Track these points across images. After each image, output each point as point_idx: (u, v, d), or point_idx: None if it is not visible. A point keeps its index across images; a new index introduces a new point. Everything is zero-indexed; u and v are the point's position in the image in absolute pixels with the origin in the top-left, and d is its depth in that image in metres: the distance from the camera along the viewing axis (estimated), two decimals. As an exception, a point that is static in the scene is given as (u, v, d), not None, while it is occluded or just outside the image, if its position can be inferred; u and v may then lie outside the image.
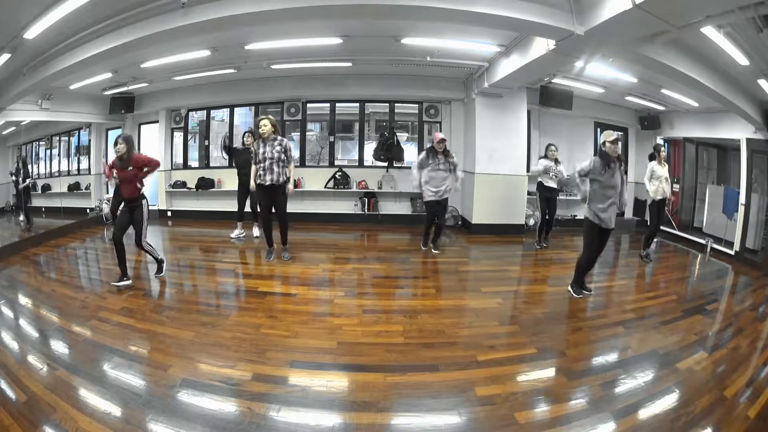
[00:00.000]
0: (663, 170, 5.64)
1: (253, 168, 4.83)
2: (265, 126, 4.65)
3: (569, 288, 4.14)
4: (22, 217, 6.91)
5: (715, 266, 5.83)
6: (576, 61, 4.91)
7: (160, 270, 4.40)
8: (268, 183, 4.69)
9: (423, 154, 5.32)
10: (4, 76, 5.30)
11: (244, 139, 6.02)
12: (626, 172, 4.02)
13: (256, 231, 6.33)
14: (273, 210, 4.93)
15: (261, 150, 4.71)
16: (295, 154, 8.21)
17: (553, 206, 6.09)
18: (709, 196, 7.22)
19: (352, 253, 5.94)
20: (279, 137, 4.73)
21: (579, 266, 4.07)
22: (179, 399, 2.33)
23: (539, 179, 6.08)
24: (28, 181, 6.99)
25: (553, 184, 5.99)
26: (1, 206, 6.91)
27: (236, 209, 6.22)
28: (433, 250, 5.47)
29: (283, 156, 4.70)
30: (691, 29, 3.55)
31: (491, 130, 6.85)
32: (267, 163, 4.66)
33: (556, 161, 6.00)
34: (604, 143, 3.84)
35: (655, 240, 5.94)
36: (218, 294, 4.22)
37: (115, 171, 4.10)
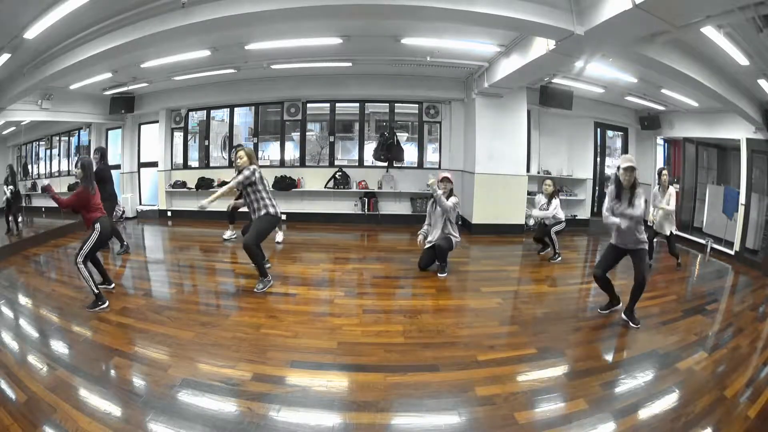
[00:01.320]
0: (662, 200, 5.08)
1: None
2: (241, 158, 4.16)
3: (623, 316, 3.57)
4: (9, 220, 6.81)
5: (715, 266, 5.83)
6: (576, 61, 4.92)
7: (93, 304, 3.53)
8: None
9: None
10: (4, 76, 5.30)
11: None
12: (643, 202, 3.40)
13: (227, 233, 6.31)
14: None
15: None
16: (295, 154, 8.25)
17: (549, 230, 5.55)
18: (709, 196, 7.22)
19: (352, 253, 5.94)
20: (248, 167, 4.07)
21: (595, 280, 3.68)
22: (179, 399, 2.32)
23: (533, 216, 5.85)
24: (8, 190, 6.84)
25: (540, 216, 5.60)
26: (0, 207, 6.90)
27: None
28: (438, 274, 4.69)
29: (247, 187, 4.09)
30: (691, 29, 3.56)
31: (491, 130, 6.86)
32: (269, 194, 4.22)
33: (551, 195, 5.51)
34: (618, 168, 3.45)
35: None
36: (218, 294, 4.22)
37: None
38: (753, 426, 2.18)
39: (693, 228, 7.43)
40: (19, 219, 6.87)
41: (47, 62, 5.00)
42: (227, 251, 5.81)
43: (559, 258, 5.50)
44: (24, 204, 7.22)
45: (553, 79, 6.57)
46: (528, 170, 7.46)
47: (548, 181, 5.63)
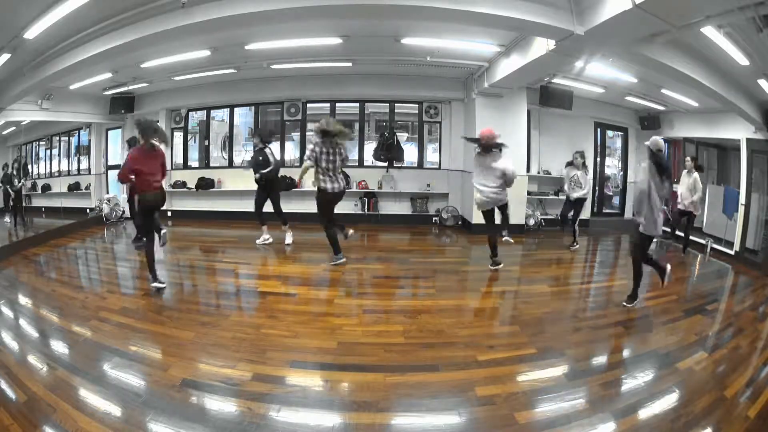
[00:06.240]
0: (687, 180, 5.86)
1: (309, 164, 4.53)
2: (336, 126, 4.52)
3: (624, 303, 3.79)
4: (8, 218, 6.81)
5: (715, 266, 5.83)
6: (576, 61, 4.92)
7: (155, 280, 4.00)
8: (338, 191, 4.62)
9: (475, 156, 4.74)
10: (4, 76, 5.30)
11: (255, 140, 5.97)
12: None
13: (288, 238, 5.90)
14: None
15: (325, 152, 4.50)
16: (295, 154, 8.25)
17: (578, 210, 6.05)
18: (709, 196, 7.21)
19: (352, 253, 5.93)
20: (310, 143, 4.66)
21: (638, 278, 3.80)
22: (179, 399, 2.32)
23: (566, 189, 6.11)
24: (20, 183, 6.94)
25: (576, 194, 5.92)
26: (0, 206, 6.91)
27: (253, 210, 5.87)
28: (507, 238, 4.90)
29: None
30: (691, 29, 3.56)
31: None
32: (332, 170, 4.56)
33: (584, 165, 5.97)
34: (659, 150, 3.52)
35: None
36: (218, 294, 4.21)
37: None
38: (753, 426, 2.18)
39: (693, 228, 7.42)
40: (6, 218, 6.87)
41: (47, 62, 5.00)
42: (227, 251, 5.81)
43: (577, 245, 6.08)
44: (24, 204, 7.23)
45: (553, 79, 6.57)
46: (528, 170, 7.45)
47: (577, 154, 5.96)
